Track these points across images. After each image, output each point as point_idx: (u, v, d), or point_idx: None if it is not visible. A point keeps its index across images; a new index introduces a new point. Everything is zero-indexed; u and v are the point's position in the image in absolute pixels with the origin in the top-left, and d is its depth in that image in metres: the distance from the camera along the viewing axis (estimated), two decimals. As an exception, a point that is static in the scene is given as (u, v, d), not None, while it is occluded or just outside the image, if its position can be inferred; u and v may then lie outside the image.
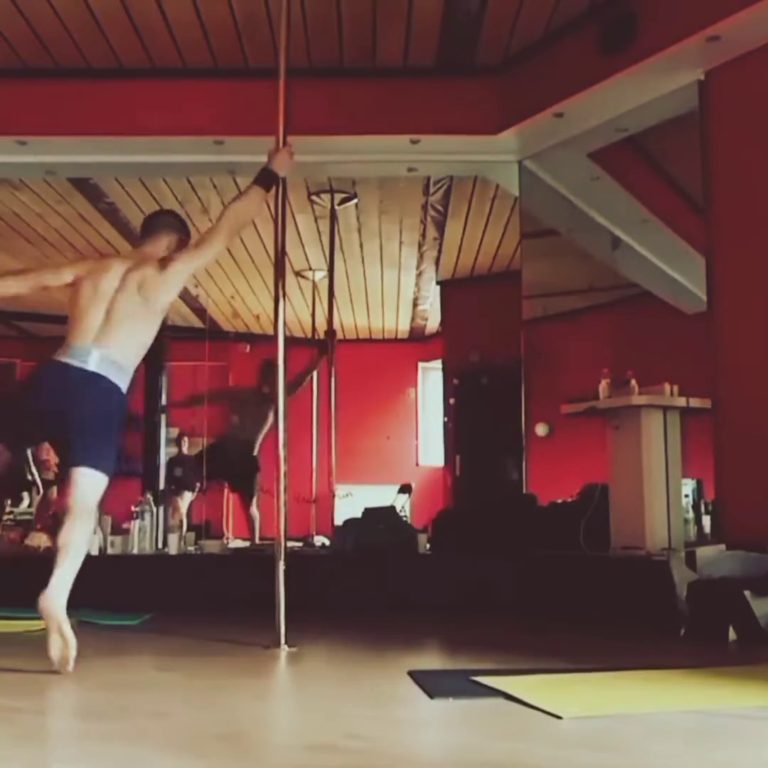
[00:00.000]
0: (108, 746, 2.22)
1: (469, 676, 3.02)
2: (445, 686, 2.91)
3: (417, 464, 12.72)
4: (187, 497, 12.33)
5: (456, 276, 10.20)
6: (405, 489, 9.13)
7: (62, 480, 3.73)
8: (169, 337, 10.81)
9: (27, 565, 5.64)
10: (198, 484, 9.54)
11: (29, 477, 11.39)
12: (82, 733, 2.35)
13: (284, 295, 4.24)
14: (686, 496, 5.27)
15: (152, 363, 10.40)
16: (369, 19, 5.70)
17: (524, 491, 6.55)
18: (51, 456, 12.07)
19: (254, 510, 8.18)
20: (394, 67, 6.24)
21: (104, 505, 8.24)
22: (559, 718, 2.44)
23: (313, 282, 9.67)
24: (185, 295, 11.22)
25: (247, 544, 7.71)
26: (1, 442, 3.69)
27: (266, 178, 4.09)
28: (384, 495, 8.47)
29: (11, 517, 9.33)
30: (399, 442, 12.94)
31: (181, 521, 11.54)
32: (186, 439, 12.62)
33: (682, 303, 6.00)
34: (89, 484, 3.50)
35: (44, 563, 5.66)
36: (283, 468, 4.04)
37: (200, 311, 11.99)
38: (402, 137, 6.26)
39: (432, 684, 2.93)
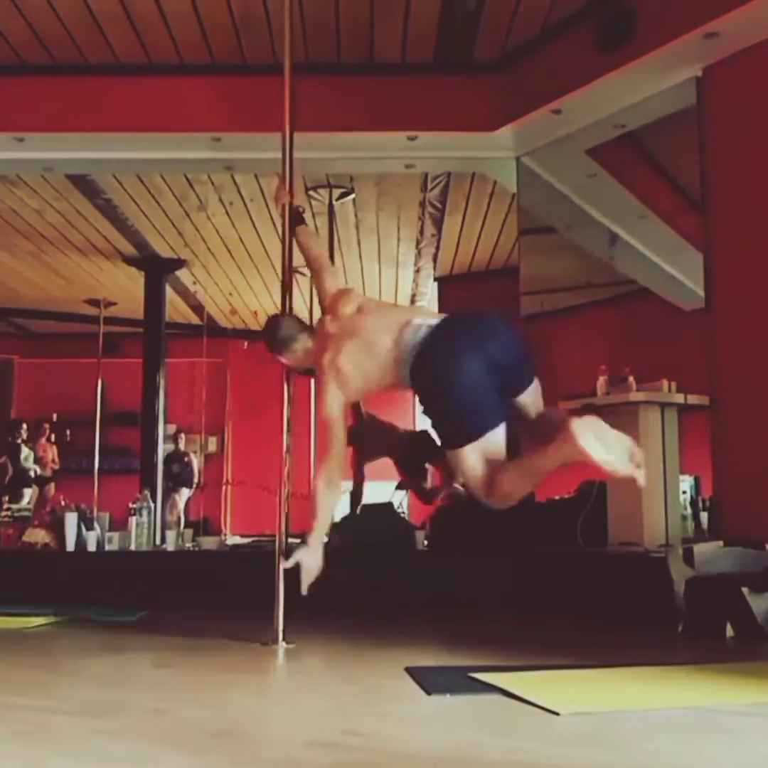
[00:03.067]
0: (107, 742, 2.22)
1: (466, 673, 3.02)
2: (442, 682, 2.91)
3: (415, 461, 12.70)
4: (185, 494, 12.35)
5: (454, 272, 10.22)
6: (403, 486, 9.12)
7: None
8: (167, 334, 10.86)
9: (25, 562, 5.66)
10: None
11: (31, 474, 11.43)
12: (81, 730, 2.35)
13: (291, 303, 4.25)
14: (684, 492, 5.28)
15: (151, 360, 10.42)
16: (367, 15, 5.70)
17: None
18: (47, 453, 12.13)
19: None
20: (391, 63, 6.24)
21: (103, 503, 8.27)
22: (557, 714, 2.44)
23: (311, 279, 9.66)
24: (184, 292, 11.25)
25: (246, 540, 7.71)
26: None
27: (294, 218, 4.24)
28: (382, 491, 8.46)
29: (9, 513, 9.33)
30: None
31: (178, 517, 11.58)
32: (183, 435, 12.66)
33: (680, 299, 6.00)
34: None
35: (42, 560, 5.69)
36: (286, 466, 4.06)
37: (198, 308, 12.00)
38: (400, 134, 6.26)
39: (429, 680, 2.93)
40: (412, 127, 6.22)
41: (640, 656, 3.52)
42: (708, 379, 5.15)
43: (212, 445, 13.76)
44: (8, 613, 4.57)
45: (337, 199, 7.82)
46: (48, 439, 12.32)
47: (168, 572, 5.51)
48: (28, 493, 11.30)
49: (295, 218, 4.25)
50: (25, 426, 11.94)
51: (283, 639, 3.83)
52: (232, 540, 7.62)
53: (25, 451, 11.68)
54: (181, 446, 12.60)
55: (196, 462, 12.64)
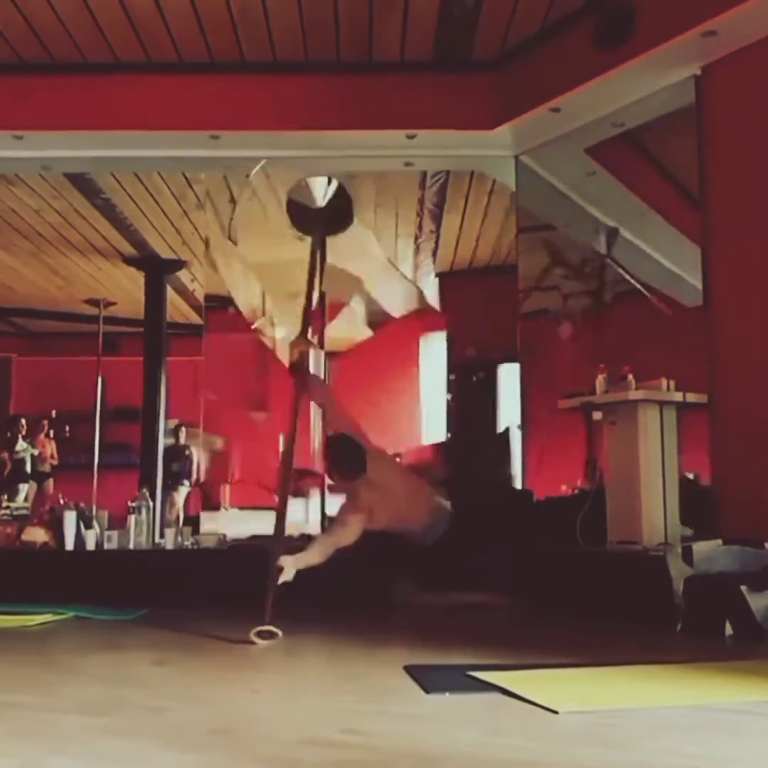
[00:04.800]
0: (105, 740, 2.22)
1: (465, 671, 3.02)
2: (441, 681, 2.91)
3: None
4: (184, 490, 12.30)
5: (453, 271, 10.20)
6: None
7: None
8: (168, 332, 10.88)
9: (24, 560, 5.66)
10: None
11: (27, 469, 11.41)
12: (79, 728, 2.35)
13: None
14: (683, 491, 5.27)
15: (151, 360, 10.44)
16: (365, 13, 5.69)
17: (521, 486, 6.56)
18: (46, 449, 12.12)
19: None
20: (390, 61, 6.24)
21: (102, 499, 8.26)
22: (556, 712, 2.44)
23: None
24: (183, 291, 11.25)
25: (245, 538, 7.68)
26: None
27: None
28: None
29: (7, 511, 9.31)
30: (395, 437, 12.95)
31: (177, 515, 11.54)
32: (184, 429, 12.56)
33: (679, 297, 6.00)
34: None
35: (41, 559, 5.69)
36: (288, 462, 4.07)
37: (199, 308, 11.99)
38: (398, 132, 6.26)
39: (428, 678, 2.93)
40: (411, 126, 6.22)
41: (639, 655, 3.52)
42: (707, 377, 5.14)
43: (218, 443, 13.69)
44: (8, 612, 4.56)
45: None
46: (47, 435, 12.31)
47: (167, 570, 5.51)
48: (25, 488, 11.26)
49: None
50: (24, 422, 11.94)
51: (281, 636, 3.82)
52: (232, 537, 7.60)
53: (22, 444, 11.66)
54: (182, 440, 12.53)
55: (196, 456, 12.56)
